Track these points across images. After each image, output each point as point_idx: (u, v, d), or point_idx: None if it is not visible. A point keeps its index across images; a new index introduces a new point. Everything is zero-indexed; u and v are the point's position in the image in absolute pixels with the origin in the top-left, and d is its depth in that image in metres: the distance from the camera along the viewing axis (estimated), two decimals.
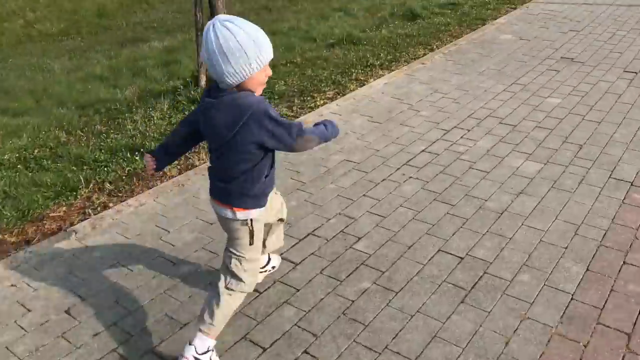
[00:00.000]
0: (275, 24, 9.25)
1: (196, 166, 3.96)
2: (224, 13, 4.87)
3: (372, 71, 5.92)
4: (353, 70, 5.93)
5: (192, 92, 5.12)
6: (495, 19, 7.83)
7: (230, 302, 2.15)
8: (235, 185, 2.01)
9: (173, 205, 3.44)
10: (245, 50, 1.78)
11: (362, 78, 5.72)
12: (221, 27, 1.78)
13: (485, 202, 3.32)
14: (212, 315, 2.11)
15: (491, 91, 5.14)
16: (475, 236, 3.00)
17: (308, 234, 3.09)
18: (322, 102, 5.12)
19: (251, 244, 2.10)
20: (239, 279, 2.14)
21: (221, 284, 2.15)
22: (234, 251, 2.14)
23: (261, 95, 1.94)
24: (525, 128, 4.32)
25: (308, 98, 5.24)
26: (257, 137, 1.87)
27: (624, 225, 3.04)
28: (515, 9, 8.47)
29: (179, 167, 3.96)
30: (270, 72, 1.91)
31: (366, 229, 3.12)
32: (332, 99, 5.16)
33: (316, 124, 2.09)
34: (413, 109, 4.80)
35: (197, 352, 2.09)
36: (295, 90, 5.47)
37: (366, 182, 3.63)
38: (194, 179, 3.76)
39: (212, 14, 4.87)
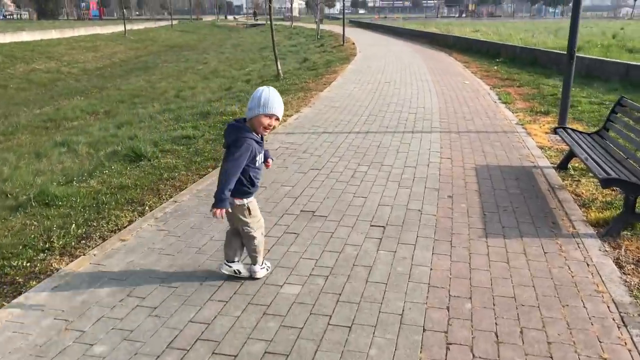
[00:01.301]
0: None
1: None
2: None
3: (43, 262, 4.03)
4: (7, 266, 3.98)
5: None
6: None
7: None
8: None
9: None
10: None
11: (21, 280, 3.80)
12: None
13: None
14: None
15: (209, 284, 3.65)
16: None
17: None
18: None
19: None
20: None
21: None
22: None
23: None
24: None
25: None
26: None
27: None
28: None
29: None
30: (267, 123, 3.25)
31: None
32: None
33: (228, 191, 3.25)
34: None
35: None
36: None
37: None
38: None
39: None
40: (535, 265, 3.84)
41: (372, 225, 4.54)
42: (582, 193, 5.33)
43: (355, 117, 9.07)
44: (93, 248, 4.23)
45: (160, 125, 10.05)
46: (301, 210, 4.90)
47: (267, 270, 3.70)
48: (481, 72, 14.78)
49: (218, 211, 3.19)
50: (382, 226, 4.53)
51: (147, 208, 5.09)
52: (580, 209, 4.93)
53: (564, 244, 4.18)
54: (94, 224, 4.76)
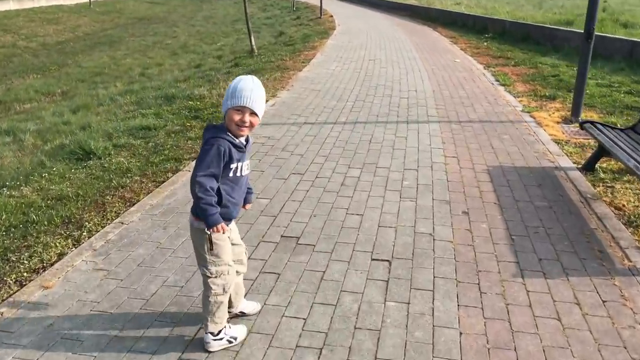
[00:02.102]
0: None
1: None
2: None
3: None
4: None
5: None
6: (192, 161, 5.53)
7: None
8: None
9: None
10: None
11: None
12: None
13: None
14: None
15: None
16: None
17: None
18: None
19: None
20: None
21: None
22: None
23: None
24: None
25: None
26: None
27: None
28: None
29: None
30: (245, 119, 2.43)
31: None
32: None
33: (211, 205, 2.44)
34: None
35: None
36: None
37: None
38: None
39: None
40: (596, 324, 2.88)
41: (374, 259, 3.52)
42: (623, 206, 4.38)
43: (340, 102, 7.99)
44: (1, 302, 3.12)
45: (120, 111, 8.88)
46: (282, 236, 3.85)
47: (230, 343, 2.66)
48: (471, 49, 13.74)
49: (217, 228, 2.45)
50: (387, 260, 3.51)
51: (84, 232, 3.99)
52: (627, 228, 3.98)
53: (624, 286, 3.23)
54: (14, 257, 3.66)
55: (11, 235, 4.06)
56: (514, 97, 8.42)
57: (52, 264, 3.56)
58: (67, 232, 4.03)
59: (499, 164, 5.34)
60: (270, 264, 3.49)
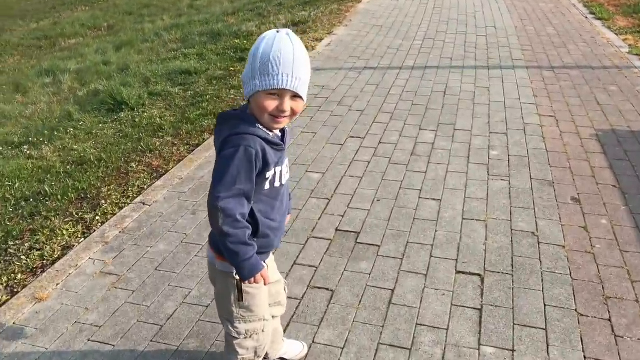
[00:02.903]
0: None
1: None
2: None
3: None
4: None
5: None
6: None
7: None
8: None
9: None
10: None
11: None
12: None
13: None
14: None
15: None
16: None
17: None
18: None
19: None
20: None
21: None
22: None
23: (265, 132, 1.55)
24: None
25: None
26: None
27: None
28: None
29: None
30: (284, 107, 1.50)
31: None
32: None
33: (245, 244, 1.56)
34: None
35: None
36: None
37: None
38: None
39: None
40: None
41: (459, 272, 2.63)
42: None
43: (406, 41, 6.86)
44: None
45: (163, 50, 8.11)
46: (337, 230, 3.00)
47: None
48: None
49: (255, 278, 1.62)
50: (478, 274, 2.62)
51: (99, 214, 3.28)
52: None
53: None
54: (13, 247, 3.00)
55: (19, 212, 3.41)
56: (616, 34, 7.02)
57: (53, 262, 2.86)
58: (80, 214, 3.33)
59: (611, 127, 4.23)
60: (321, 273, 2.66)
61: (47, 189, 3.65)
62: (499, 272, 2.63)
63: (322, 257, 2.80)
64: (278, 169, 1.61)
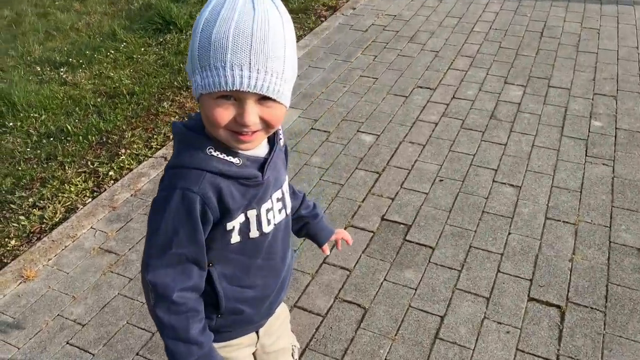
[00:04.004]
0: None
1: None
2: None
3: None
4: None
5: None
6: None
7: None
8: None
9: None
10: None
11: None
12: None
13: None
14: None
15: None
16: None
17: None
18: None
19: None
20: None
21: None
22: None
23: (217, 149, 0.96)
24: None
25: None
26: None
27: None
28: None
29: None
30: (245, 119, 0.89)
31: None
32: None
33: (190, 341, 1.02)
34: None
35: None
36: None
37: None
38: None
39: None
40: None
41: (532, 299, 2.02)
42: None
43: None
44: None
45: None
46: (382, 219, 2.42)
47: None
48: None
49: None
50: (557, 306, 2.01)
51: (114, 168, 2.87)
52: None
53: None
54: (16, 202, 2.66)
55: (38, 152, 3.07)
56: None
57: (52, 227, 2.48)
58: (95, 164, 2.93)
59: None
60: (354, 280, 2.13)
61: (71, 127, 3.27)
62: (586, 307, 2.00)
63: (359, 256, 2.25)
64: (252, 212, 1.02)
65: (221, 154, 0.94)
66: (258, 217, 1.03)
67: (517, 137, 2.96)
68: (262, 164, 1.01)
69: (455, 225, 2.39)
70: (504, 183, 2.63)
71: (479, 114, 3.18)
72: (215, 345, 1.10)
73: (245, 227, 1.02)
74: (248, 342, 1.23)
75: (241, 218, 1.01)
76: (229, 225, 1.00)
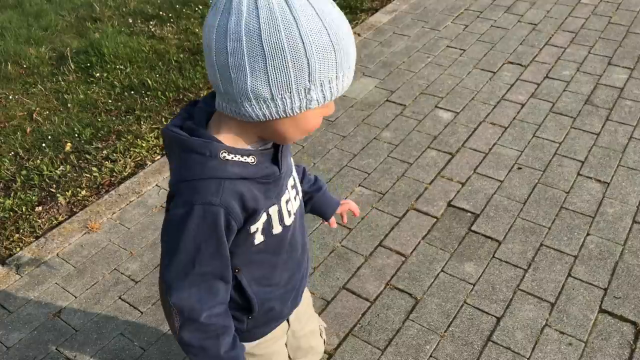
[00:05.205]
0: None
1: None
2: None
3: None
4: None
5: None
6: None
7: None
8: None
9: None
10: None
11: None
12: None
13: None
14: None
15: None
16: None
17: None
18: None
19: None
20: None
21: None
22: None
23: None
24: None
25: None
26: None
27: None
28: None
29: None
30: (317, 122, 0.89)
31: None
32: None
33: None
34: None
35: None
36: None
37: None
38: None
39: None
40: None
41: (604, 311, 1.83)
42: None
43: None
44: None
45: None
46: (448, 204, 2.27)
47: None
48: None
49: None
50: (633, 322, 1.83)
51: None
52: None
53: None
54: (92, 152, 2.75)
55: (118, 104, 3.17)
56: None
57: (120, 181, 2.57)
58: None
59: None
60: (409, 267, 2.02)
61: (152, 82, 3.33)
62: None
63: (417, 242, 2.13)
64: (273, 208, 0.95)
65: (235, 156, 0.86)
66: (280, 211, 0.97)
67: (613, 126, 2.67)
68: (274, 155, 0.93)
69: (527, 219, 2.20)
70: (590, 177, 2.38)
71: (573, 97, 2.89)
72: (251, 344, 1.10)
73: (267, 225, 0.96)
74: (281, 333, 1.21)
75: (264, 217, 0.94)
76: (253, 228, 0.94)
